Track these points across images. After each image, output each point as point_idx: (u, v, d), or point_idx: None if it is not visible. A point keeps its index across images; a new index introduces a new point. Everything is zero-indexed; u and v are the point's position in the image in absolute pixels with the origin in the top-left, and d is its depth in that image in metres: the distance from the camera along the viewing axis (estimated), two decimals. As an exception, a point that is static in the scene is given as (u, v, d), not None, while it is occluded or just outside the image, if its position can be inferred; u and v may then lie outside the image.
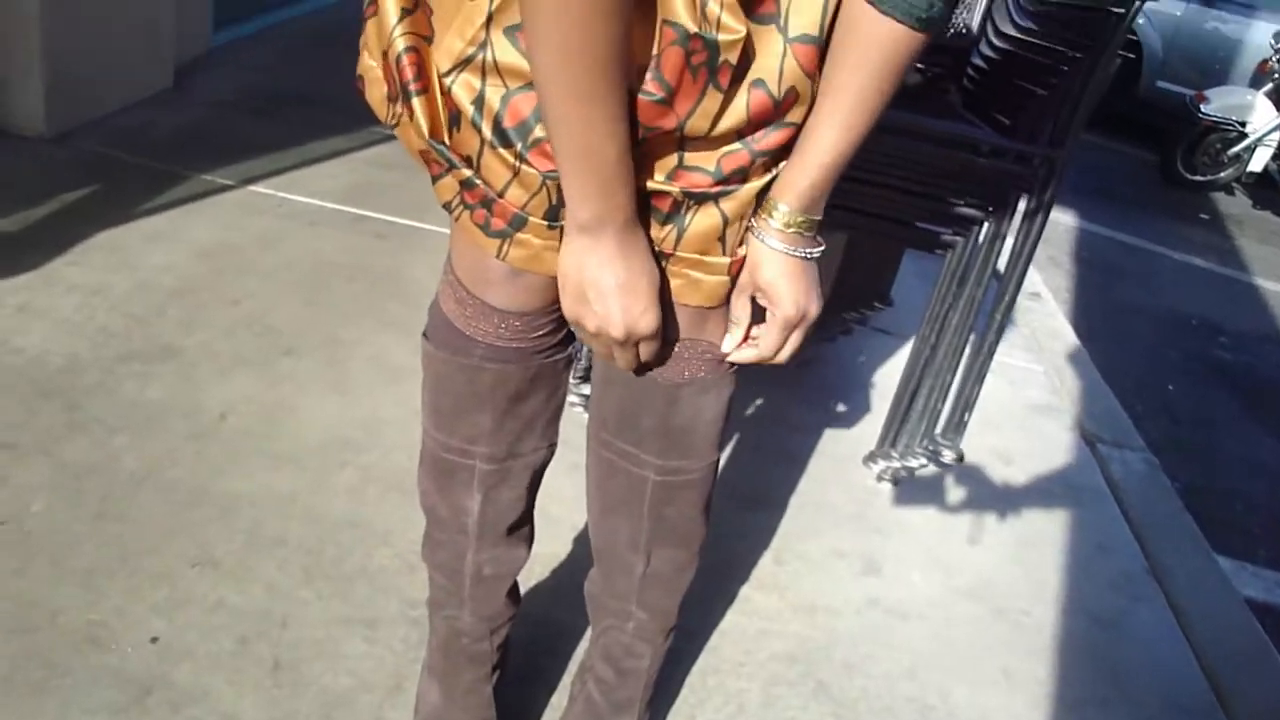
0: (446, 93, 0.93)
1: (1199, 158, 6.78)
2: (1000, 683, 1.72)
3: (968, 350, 1.92)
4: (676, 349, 1.10)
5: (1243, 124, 6.57)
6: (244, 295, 2.36)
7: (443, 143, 0.96)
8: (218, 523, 1.68)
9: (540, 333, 1.12)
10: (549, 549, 1.78)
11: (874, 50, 0.90)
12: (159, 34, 3.42)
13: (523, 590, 1.67)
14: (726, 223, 1.01)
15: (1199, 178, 6.84)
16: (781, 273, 1.00)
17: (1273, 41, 6.66)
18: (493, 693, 1.35)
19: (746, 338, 1.08)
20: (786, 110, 0.95)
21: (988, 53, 1.91)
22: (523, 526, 1.29)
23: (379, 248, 2.71)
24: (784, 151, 0.99)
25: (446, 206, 1.02)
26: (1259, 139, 6.56)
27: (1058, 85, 1.73)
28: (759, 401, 2.40)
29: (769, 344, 1.05)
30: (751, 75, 0.92)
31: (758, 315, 1.07)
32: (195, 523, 1.67)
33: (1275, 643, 2.06)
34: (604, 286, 0.96)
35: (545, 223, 0.99)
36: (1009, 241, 1.86)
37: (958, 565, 1.99)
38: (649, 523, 1.23)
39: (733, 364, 1.14)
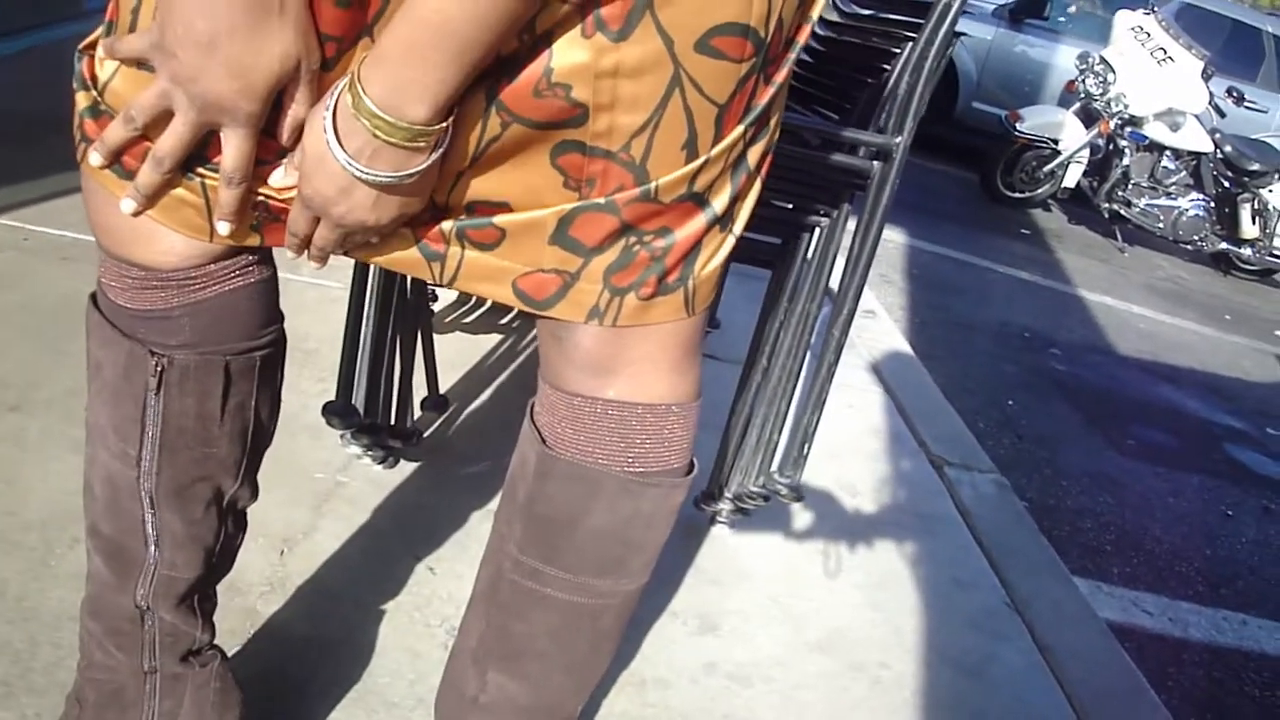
0: None
1: (1016, 175, 6.92)
2: (860, 753, 1.51)
3: (803, 374, 1.71)
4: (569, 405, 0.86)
5: (1055, 141, 6.72)
6: (-35, 345, 1.99)
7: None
8: (-111, 633, 1.32)
9: (124, 285, 0.86)
10: (320, 632, 1.47)
11: None
12: (-117, 53, 2.98)
13: (288, 687, 1.36)
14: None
15: (1017, 194, 6.97)
16: (318, 155, 0.72)
17: (1078, 63, 6.85)
18: None
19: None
20: None
21: (810, 42, 1.72)
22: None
23: (141, 285, 2.35)
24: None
25: None
26: (1071, 156, 6.72)
27: (889, 72, 1.54)
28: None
29: (291, 219, 0.78)
30: None
31: None
32: None
33: (1140, 666, 1.92)
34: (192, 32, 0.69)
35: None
36: (842, 249, 1.67)
37: (806, 616, 1.77)
38: (494, 631, 0.95)
39: (665, 470, 0.89)
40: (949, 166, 7.50)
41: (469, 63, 0.66)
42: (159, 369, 0.86)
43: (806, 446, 1.65)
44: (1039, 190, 6.93)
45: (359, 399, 1.71)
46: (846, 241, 1.63)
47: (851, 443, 2.42)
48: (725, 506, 1.83)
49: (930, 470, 2.38)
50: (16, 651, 1.34)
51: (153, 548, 0.96)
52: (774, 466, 1.76)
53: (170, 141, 0.74)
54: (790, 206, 1.63)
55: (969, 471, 2.41)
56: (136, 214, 0.78)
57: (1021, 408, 3.55)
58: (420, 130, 0.68)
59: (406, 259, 0.81)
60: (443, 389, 1.95)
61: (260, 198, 0.79)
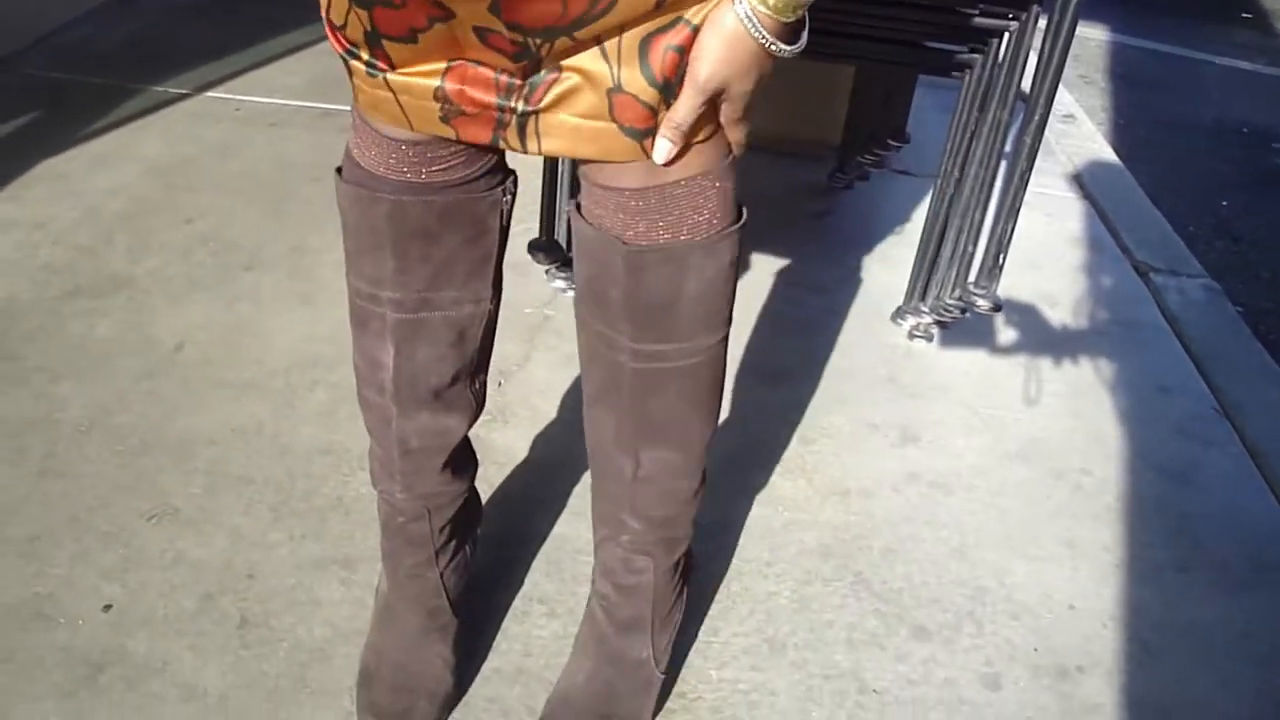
0: None
1: (1236, -48, 6.31)
2: (1063, 555, 1.54)
3: (998, 183, 1.69)
4: (628, 200, 0.91)
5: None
6: (199, 212, 2.16)
7: None
8: (174, 468, 1.51)
9: (440, 165, 0.95)
10: (539, 454, 1.59)
11: None
12: (98, -60, 3.16)
13: (514, 503, 1.50)
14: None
15: (1237, -26, 6.37)
16: (721, 37, 0.80)
17: None
18: (442, 580, 1.21)
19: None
20: None
21: None
22: (454, 392, 1.12)
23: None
24: None
25: None
26: (1301, -76, 6.07)
27: None
28: (769, 263, 2.18)
29: (675, 109, 0.84)
30: None
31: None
32: (149, 470, 1.50)
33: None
34: None
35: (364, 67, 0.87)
36: (1033, 54, 1.61)
37: (1006, 425, 1.78)
38: (632, 418, 1.06)
39: (729, 224, 0.94)
40: (1156, -50, 6.90)
41: None
42: (499, 204, 1.02)
43: (1002, 257, 1.64)
44: (1262, -33, 6.32)
45: (560, 234, 1.79)
46: (1038, 44, 1.58)
47: (1051, 252, 2.36)
48: (924, 319, 1.84)
49: (1134, 277, 2.31)
50: (279, 483, 1.51)
51: (478, 385, 1.14)
52: (970, 278, 1.76)
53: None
54: (977, 11, 1.58)
55: (1176, 277, 2.33)
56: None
57: (1238, 209, 3.35)
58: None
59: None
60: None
61: (441, 88, 0.86)
